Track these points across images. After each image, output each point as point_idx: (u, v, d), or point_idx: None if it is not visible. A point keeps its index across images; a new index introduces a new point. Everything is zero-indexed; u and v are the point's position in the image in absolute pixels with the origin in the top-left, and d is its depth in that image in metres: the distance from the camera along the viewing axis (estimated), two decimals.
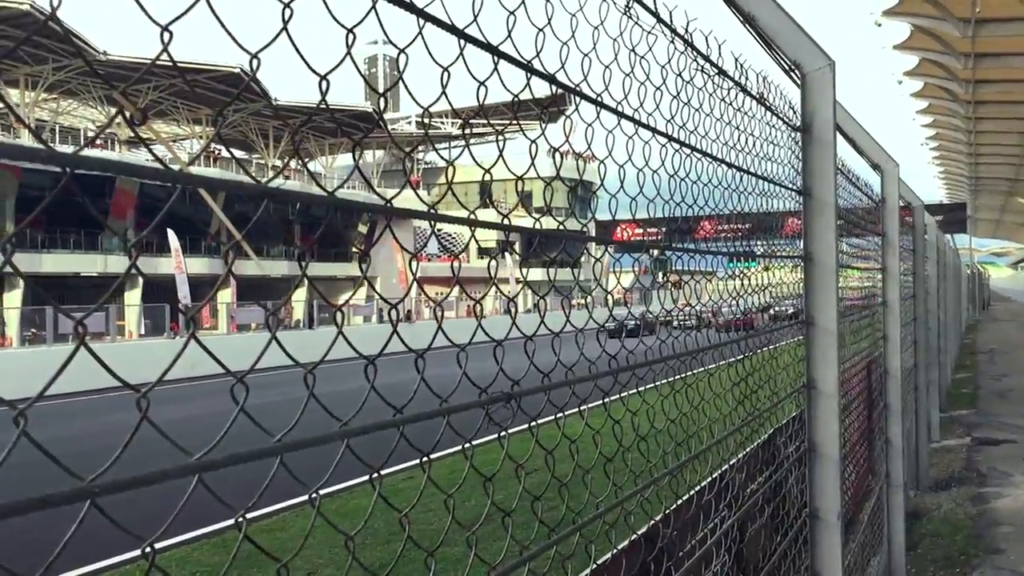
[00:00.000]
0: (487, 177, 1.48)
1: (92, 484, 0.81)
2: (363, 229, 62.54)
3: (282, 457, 1.06)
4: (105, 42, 43.64)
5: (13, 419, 0.76)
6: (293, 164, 60.68)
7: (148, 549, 0.90)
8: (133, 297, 44.29)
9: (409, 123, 67.45)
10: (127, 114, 0.85)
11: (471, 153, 1.51)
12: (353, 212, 59.03)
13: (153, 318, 42.37)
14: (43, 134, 46.48)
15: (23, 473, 1.92)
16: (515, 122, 1.62)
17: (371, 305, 53.26)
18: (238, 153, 64.64)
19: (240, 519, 1.04)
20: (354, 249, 61.58)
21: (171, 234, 44.04)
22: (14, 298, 40.65)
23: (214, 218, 51.62)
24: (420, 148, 67.91)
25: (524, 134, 1.67)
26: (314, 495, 1.15)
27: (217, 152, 57.91)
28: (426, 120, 1.35)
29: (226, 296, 48.67)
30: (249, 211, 54.06)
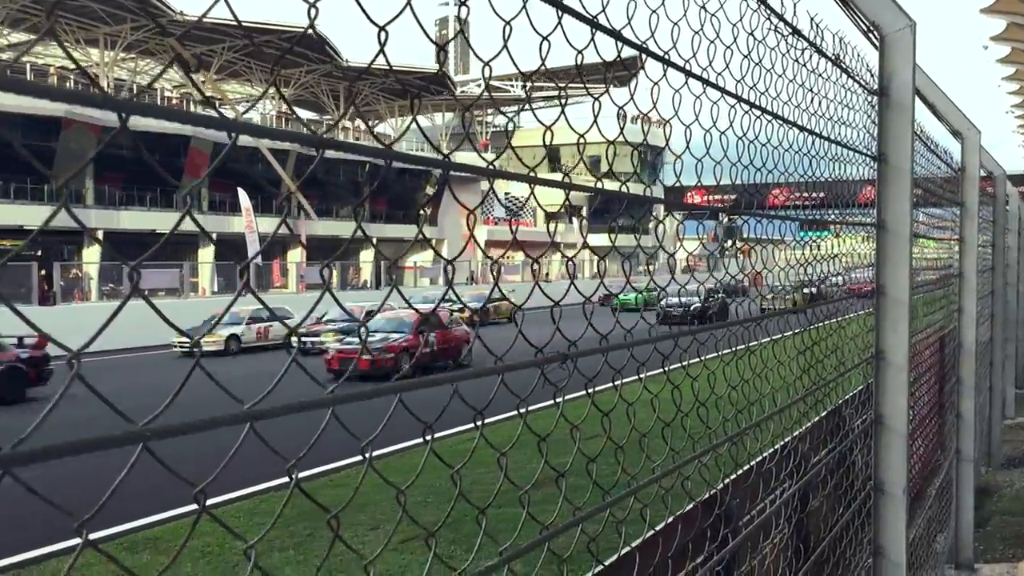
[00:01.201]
0: (548, 137, 1.46)
1: (144, 428, 0.82)
2: (431, 192, 62.82)
3: (333, 409, 1.06)
4: (182, 4, 44.28)
5: (67, 362, 0.77)
6: (361, 126, 61.09)
7: (200, 498, 0.91)
8: (206, 255, 45.28)
9: (478, 86, 67.30)
10: (184, 60, 0.85)
11: (534, 113, 1.49)
12: (421, 175, 59.26)
13: (226, 275, 43.35)
14: (121, 93, 47.52)
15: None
16: (581, 82, 1.59)
17: (436, 267, 53.67)
18: (308, 114, 65.32)
19: (292, 472, 1.04)
20: (420, 212, 61.92)
21: (242, 194, 44.80)
22: (92, 254, 41.87)
23: (283, 179, 52.37)
24: (488, 111, 67.78)
25: (588, 91, 1.64)
26: (367, 451, 1.16)
27: (288, 115, 58.57)
28: (486, 74, 1.33)
29: (296, 256, 49.48)
30: (316, 173, 54.69)
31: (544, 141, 1.44)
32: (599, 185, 1.76)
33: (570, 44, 1.53)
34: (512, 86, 63.30)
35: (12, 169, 38.14)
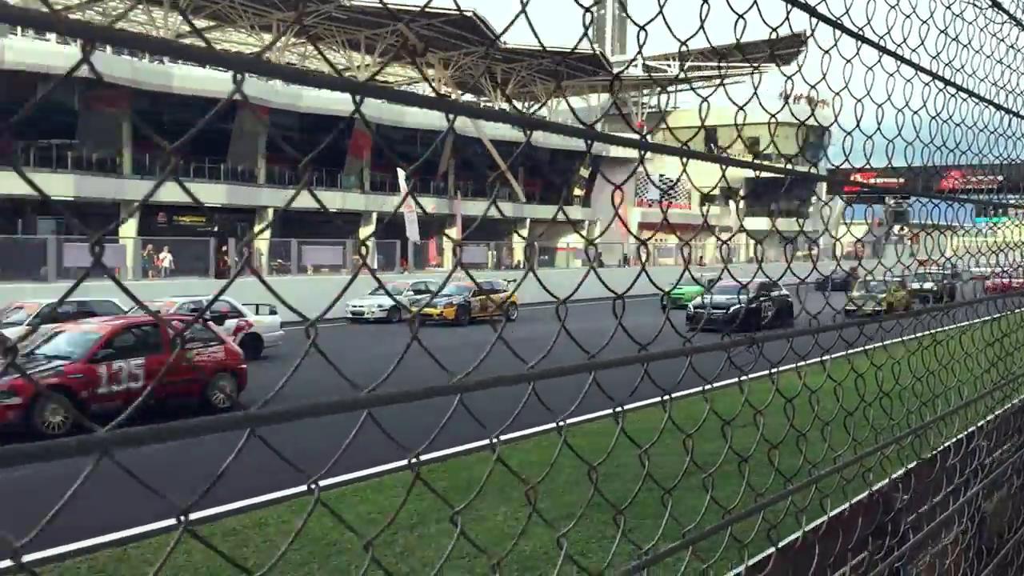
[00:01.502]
0: (742, 117, 1.44)
1: (369, 395, 0.86)
2: (584, 173, 62.69)
3: (534, 385, 1.09)
4: None
5: (305, 330, 0.82)
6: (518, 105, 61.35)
7: (413, 460, 0.96)
8: (367, 233, 46.84)
9: (635, 66, 66.52)
10: (410, 44, 0.88)
11: (726, 91, 1.47)
12: (574, 156, 59.28)
13: (385, 254, 44.74)
14: None
15: None
16: (773, 61, 1.56)
17: (591, 249, 53.58)
18: (467, 96, 66.28)
19: (494, 440, 1.08)
20: (576, 193, 62.02)
21: (401, 174, 45.93)
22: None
23: (441, 160, 53.47)
24: (644, 91, 67.03)
25: (781, 71, 1.60)
26: (561, 423, 1.18)
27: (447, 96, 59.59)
28: (685, 49, 1.32)
29: (452, 234, 50.47)
30: (471, 156, 55.61)
31: (736, 121, 1.42)
32: (787, 165, 1.73)
33: (764, 22, 1.50)
34: (669, 65, 62.23)
35: (191, 150, 40.50)
